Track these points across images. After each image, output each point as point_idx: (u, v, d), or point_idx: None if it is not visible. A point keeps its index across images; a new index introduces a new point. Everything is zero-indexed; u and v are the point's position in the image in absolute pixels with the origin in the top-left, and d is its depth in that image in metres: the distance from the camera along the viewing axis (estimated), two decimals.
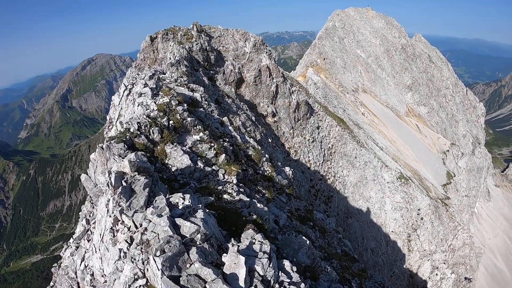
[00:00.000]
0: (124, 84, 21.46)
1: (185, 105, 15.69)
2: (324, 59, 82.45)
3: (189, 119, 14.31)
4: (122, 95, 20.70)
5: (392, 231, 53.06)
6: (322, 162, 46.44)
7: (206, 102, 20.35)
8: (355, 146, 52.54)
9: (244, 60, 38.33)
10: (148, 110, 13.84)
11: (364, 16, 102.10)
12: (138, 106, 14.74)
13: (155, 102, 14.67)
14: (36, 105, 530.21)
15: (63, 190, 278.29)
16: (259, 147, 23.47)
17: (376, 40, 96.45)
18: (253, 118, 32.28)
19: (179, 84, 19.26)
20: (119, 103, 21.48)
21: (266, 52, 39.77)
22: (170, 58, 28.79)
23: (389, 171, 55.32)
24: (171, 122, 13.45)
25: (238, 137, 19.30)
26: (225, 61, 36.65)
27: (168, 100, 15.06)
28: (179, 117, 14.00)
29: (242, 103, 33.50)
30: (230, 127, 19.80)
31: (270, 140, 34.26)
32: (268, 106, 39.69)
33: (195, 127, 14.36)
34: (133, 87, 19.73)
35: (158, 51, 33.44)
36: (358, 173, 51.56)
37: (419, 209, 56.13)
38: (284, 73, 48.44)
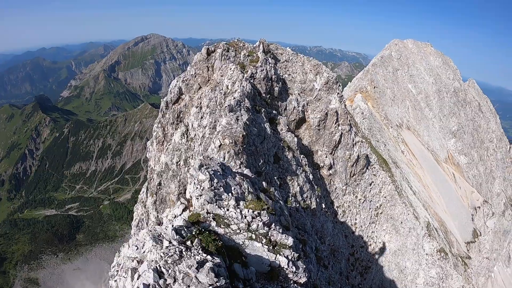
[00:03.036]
0: None
1: None
2: (374, 87, 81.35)
3: None
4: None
5: None
6: (367, 226, 42.41)
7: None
8: (403, 210, 48.32)
9: (311, 97, 33.00)
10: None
11: (422, 51, 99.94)
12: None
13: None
14: (84, 69, 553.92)
15: (91, 155, 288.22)
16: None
17: (429, 78, 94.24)
18: (311, 177, 28.29)
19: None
20: None
21: (338, 94, 34.46)
22: (227, 87, 24.82)
23: (431, 241, 52.36)
24: None
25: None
26: (289, 95, 31.55)
27: None
28: None
29: (302, 156, 28.78)
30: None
31: (323, 206, 30.16)
32: (326, 157, 34.87)
33: None
34: None
35: (214, 69, 28.11)
36: (400, 241, 47.22)
37: None
38: (351, 120, 44.98)
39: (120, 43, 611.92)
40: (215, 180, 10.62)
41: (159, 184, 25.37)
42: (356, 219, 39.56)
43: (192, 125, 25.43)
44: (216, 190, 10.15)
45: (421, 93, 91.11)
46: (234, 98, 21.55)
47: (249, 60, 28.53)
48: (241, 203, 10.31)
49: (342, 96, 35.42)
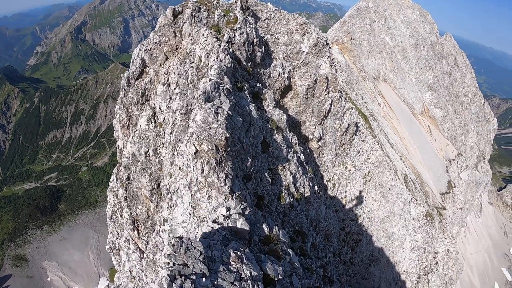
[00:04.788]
0: None
1: None
2: (351, 39, 79.05)
3: None
4: None
5: (404, 271, 50.77)
6: (357, 196, 41.17)
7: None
8: (391, 176, 47.27)
9: (298, 62, 28.78)
10: None
11: (400, 3, 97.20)
12: None
13: None
14: (49, 33, 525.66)
15: (64, 121, 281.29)
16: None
17: (407, 30, 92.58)
18: (302, 158, 25.32)
19: None
20: None
21: (328, 57, 30.19)
22: (200, 59, 20.60)
23: (417, 206, 52.81)
24: None
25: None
26: (273, 59, 27.24)
27: None
28: None
29: (291, 135, 25.32)
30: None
31: (316, 188, 27.03)
32: (315, 128, 31.61)
33: None
34: None
35: (183, 35, 23.18)
36: (388, 208, 46.61)
37: (436, 252, 54.35)
38: (344, 88, 40.55)
39: (85, 2, 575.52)
40: None
41: (128, 178, 23.33)
42: (346, 191, 38.58)
43: (159, 107, 22.08)
44: None
45: (398, 46, 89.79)
46: (210, 79, 17.62)
47: (225, 22, 23.97)
48: None
49: (332, 59, 31.51)
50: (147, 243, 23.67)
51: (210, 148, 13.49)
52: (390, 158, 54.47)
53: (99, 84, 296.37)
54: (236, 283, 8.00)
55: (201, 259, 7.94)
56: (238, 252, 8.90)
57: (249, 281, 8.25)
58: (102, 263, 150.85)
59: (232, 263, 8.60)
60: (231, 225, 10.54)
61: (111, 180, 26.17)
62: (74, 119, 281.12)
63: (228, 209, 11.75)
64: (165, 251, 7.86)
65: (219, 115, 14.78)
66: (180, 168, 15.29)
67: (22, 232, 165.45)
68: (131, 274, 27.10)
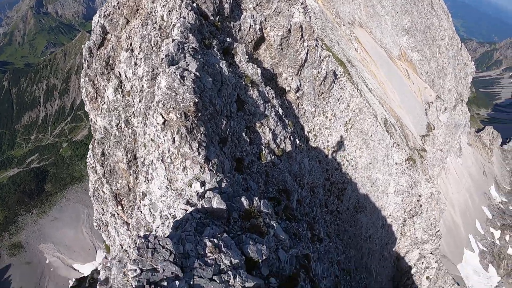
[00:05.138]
0: None
1: None
2: None
3: None
4: None
5: (390, 215, 51.80)
6: (339, 145, 40.68)
7: None
8: (373, 123, 46.91)
9: (269, 11, 26.90)
10: None
11: None
12: None
13: None
14: (9, 12, 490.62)
15: (38, 100, 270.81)
16: None
17: None
18: (281, 111, 24.35)
19: None
20: None
21: (301, 4, 28.55)
22: (162, 19, 19.09)
23: (400, 151, 53.04)
24: None
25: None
26: (243, 11, 25.41)
27: None
28: None
29: (268, 88, 23.97)
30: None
31: (297, 142, 26.42)
32: (292, 79, 30.32)
33: None
34: None
35: None
36: (370, 154, 46.58)
37: (420, 196, 55.44)
38: (319, 35, 37.95)
39: None
40: None
41: (103, 154, 22.41)
42: (328, 141, 38.15)
43: (125, 75, 20.71)
44: None
45: None
46: (173, 40, 16.00)
47: None
48: None
49: (306, 7, 29.76)
50: (132, 215, 23.47)
51: (179, 116, 12.47)
52: (370, 103, 54.34)
53: (68, 57, 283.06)
54: (215, 277, 7.37)
55: (171, 260, 7.11)
56: (215, 240, 8.19)
57: (229, 272, 7.63)
58: (97, 236, 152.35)
59: (209, 254, 7.86)
60: (206, 206, 9.66)
61: (88, 156, 25.31)
62: (48, 96, 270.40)
63: (203, 183, 11.02)
64: (131, 255, 7.07)
65: (185, 78, 13.49)
66: (151, 139, 14.48)
67: (14, 219, 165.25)
68: (122, 248, 27.06)
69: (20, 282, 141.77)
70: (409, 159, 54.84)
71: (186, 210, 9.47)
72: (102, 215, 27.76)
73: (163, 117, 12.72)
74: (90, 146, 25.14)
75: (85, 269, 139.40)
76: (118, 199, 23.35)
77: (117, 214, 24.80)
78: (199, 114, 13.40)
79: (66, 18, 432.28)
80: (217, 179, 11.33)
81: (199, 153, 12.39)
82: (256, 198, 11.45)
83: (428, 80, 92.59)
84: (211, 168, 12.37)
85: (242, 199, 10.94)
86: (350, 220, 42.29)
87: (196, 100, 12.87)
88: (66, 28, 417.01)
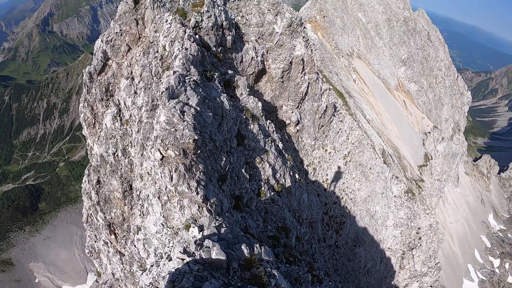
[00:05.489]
0: None
1: None
2: (324, 16, 78.37)
3: None
4: None
5: (389, 248, 51.32)
6: (338, 178, 40.33)
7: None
8: (371, 155, 47.02)
9: (271, 44, 26.93)
10: None
11: None
12: None
13: None
14: (15, 28, 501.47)
15: (37, 117, 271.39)
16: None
17: (379, 7, 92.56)
18: (281, 146, 23.97)
19: None
20: None
21: (303, 38, 28.43)
22: (164, 48, 18.91)
23: (399, 183, 53.04)
24: None
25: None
26: (245, 43, 25.33)
27: None
28: None
29: (268, 122, 23.50)
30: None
31: (297, 176, 25.82)
32: (292, 112, 30.23)
33: None
34: None
35: (145, 22, 21.53)
36: (369, 187, 46.38)
37: (419, 228, 54.99)
38: (319, 66, 38.47)
39: None
40: None
41: (98, 181, 22.13)
42: (327, 175, 37.76)
43: (124, 103, 20.59)
44: None
45: (371, 22, 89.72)
46: (174, 72, 15.71)
47: (191, 5, 22.05)
48: None
49: (308, 40, 29.97)
50: (126, 245, 22.88)
51: (178, 153, 12.11)
52: (368, 135, 54.48)
53: (70, 76, 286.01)
54: None
55: None
56: None
57: None
58: (88, 259, 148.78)
59: None
60: (204, 257, 9.17)
61: (83, 181, 24.94)
62: (47, 114, 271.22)
63: (201, 228, 10.58)
64: None
65: (185, 113, 13.17)
66: (148, 173, 14.19)
67: (5, 235, 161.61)
68: (114, 276, 26.31)
69: None
70: (408, 191, 54.57)
71: (183, 260, 9.04)
72: (95, 242, 27.09)
73: (161, 153, 12.31)
74: (86, 172, 24.77)
75: None
76: (112, 228, 22.86)
77: (110, 242, 24.22)
78: (199, 151, 12.99)
79: (70, 38, 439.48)
80: (216, 224, 10.91)
81: (197, 193, 12.01)
82: (257, 245, 10.98)
83: (425, 110, 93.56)
84: (209, 208, 11.96)
85: (243, 247, 10.48)
86: (349, 254, 41.56)
87: (196, 137, 12.52)
88: (70, 48, 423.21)
